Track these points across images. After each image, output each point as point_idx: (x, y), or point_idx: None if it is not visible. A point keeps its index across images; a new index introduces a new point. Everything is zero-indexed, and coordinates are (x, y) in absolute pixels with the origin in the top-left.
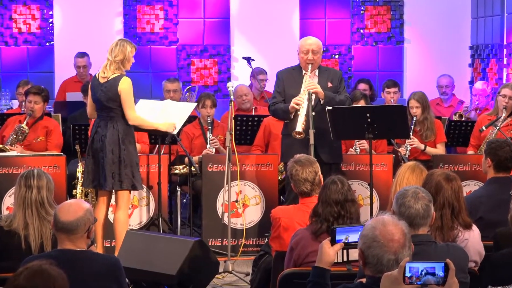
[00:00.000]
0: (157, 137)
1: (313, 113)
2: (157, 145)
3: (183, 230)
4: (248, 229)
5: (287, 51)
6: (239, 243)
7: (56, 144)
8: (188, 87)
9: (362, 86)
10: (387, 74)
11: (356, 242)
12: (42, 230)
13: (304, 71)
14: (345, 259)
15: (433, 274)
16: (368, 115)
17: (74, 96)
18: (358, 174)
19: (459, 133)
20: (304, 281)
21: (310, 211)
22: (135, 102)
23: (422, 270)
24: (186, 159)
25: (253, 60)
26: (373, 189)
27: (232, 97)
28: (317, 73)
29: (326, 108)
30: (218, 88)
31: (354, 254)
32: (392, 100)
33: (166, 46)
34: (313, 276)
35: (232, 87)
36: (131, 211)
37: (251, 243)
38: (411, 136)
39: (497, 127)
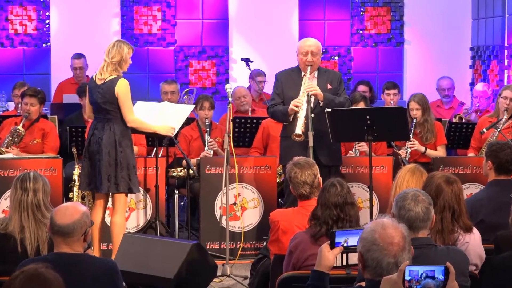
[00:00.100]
0: (155, 139)
1: (312, 115)
2: (155, 148)
3: (180, 233)
4: (246, 232)
5: (286, 52)
6: (238, 247)
7: (53, 146)
8: (186, 90)
9: (362, 88)
10: (387, 75)
11: (356, 245)
12: (38, 233)
13: (303, 73)
14: (344, 263)
15: (433, 278)
16: (367, 117)
17: (71, 98)
18: (357, 177)
19: (459, 135)
20: (303, 285)
21: (309, 214)
22: (133, 104)
23: (422, 274)
24: (184, 162)
25: (251, 61)
26: (373, 191)
27: (230, 99)
28: (316, 75)
29: (326, 110)
30: (216, 90)
31: (353, 258)
32: (392, 102)
33: (163, 48)
34: (312, 280)
35: (231, 89)
36: (128, 214)
37: (249, 247)
38: (411, 139)
39: (498, 129)
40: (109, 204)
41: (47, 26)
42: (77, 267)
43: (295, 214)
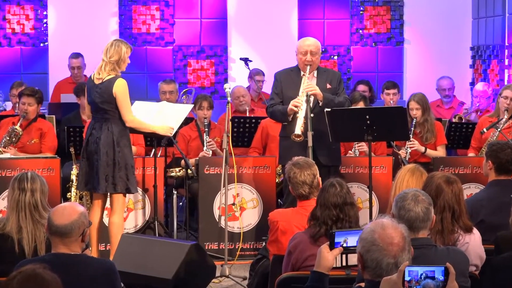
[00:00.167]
0: (153, 139)
1: (312, 115)
2: (153, 148)
3: (179, 234)
4: (245, 233)
5: (285, 52)
6: (236, 247)
7: (50, 146)
8: (184, 90)
9: (361, 88)
10: (387, 75)
11: (355, 246)
12: (36, 234)
13: (302, 73)
14: (344, 263)
15: (433, 278)
16: (367, 116)
17: (69, 97)
18: (357, 177)
19: (459, 135)
20: (302, 286)
21: (308, 214)
22: (131, 104)
23: (421, 274)
24: (183, 162)
25: (250, 61)
26: (373, 192)
27: (229, 98)
28: (315, 74)
29: (325, 110)
30: (215, 90)
31: (353, 259)
32: (391, 102)
33: (162, 47)
34: (311, 280)
35: (229, 88)
36: (126, 214)
37: (248, 247)
38: (411, 138)
39: (499, 129)
40: (108, 204)
41: (44, 25)
42: (75, 268)
43: (294, 214)
